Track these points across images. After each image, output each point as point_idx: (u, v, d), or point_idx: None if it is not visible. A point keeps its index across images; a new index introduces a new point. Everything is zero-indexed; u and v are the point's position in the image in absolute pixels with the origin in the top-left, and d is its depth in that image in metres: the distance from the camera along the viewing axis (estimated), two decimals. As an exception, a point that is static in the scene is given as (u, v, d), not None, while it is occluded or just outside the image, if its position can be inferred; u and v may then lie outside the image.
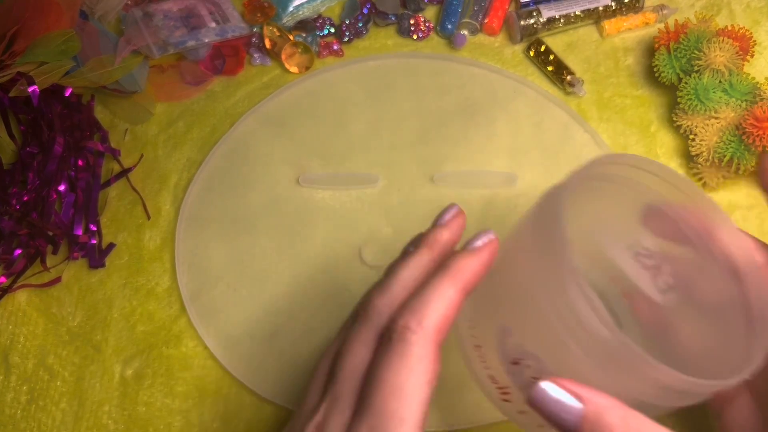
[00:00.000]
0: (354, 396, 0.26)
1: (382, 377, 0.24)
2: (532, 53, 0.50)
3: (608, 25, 0.51)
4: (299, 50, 0.51)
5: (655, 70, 0.47)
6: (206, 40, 0.51)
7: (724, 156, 0.43)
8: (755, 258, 0.28)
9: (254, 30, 0.52)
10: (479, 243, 0.27)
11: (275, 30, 0.51)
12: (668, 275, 0.31)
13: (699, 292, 0.30)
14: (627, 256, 0.32)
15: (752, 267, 0.27)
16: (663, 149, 0.47)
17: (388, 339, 0.25)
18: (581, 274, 0.24)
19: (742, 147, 0.43)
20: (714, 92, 0.44)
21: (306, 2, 0.53)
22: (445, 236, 0.28)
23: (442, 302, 0.25)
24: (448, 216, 0.28)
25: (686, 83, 0.45)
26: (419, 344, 0.25)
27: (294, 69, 0.51)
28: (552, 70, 0.50)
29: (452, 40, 0.51)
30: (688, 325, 0.30)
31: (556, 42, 0.51)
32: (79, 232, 0.45)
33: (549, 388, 0.24)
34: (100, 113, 0.50)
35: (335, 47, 0.51)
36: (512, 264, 0.28)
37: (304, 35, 0.52)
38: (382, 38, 0.52)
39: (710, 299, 0.29)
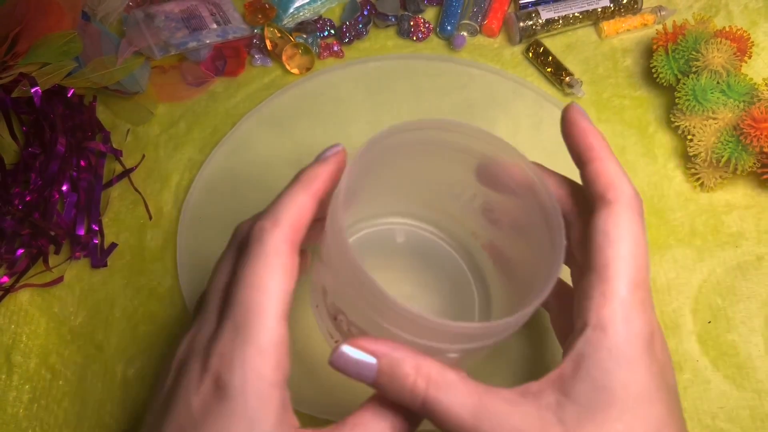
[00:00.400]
0: (220, 305, 0.27)
1: (242, 275, 0.26)
2: (531, 54, 0.51)
3: (607, 26, 0.51)
4: (300, 51, 0.51)
5: (653, 71, 0.48)
6: (207, 41, 0.51)
7: (722, 156, 0.43)
8: (551, 183, 0.32)
9: (255, 31, 0.53)
10: (328, 153, 0.30)
11: (276, 31, 0.52)
12: (501, 215, 0.34)
13: (525, 228, 0.33)
14: (476, 209, 0.36)
15: (545, 187, 0.31)
16: (661, 150, 0.47)
17: (245, 245, 0.27)
18: (344, 234, 0.26)
19: (740, 147, 0.43)
20: (712, 93, 0.44)
21: (306, 4, 0.53)
22: (318, 172, 0.29)
23: (294, 205, 0.27)
24: (329, 153, 0.30)
25: (684, 84, 0.45)
26: (274, 241, 0.26)
27: (295, 70, 0.51)
28: (551, 71, 0.50)
29: (451, 42, 0.51)
30: (521, 255, 0.34)
31: (554, 43, 0.51)
32: (81, 232, 0.45)
33: (347, 350, 0.27)
34: (102, 114, 0.50)
35: (335, 48, 0.52)
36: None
37: (304, 36, 0.52)
38: (382, 39, 0.52)
39: (531, 231, 0.32)
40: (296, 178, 0.29)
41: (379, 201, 0.38)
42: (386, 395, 0.27)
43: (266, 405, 0.26)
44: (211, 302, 0.29)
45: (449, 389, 0.26)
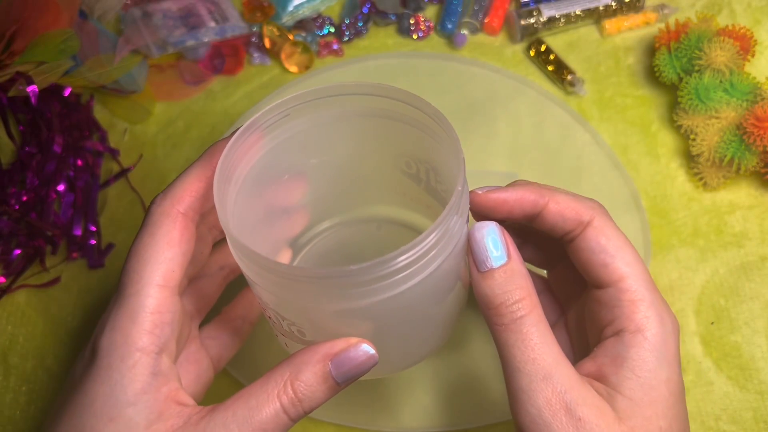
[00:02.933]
0: None
1: (131, 247, 0.28)
2: (532, 53, 0.50)
3: (609, 24, 0.51)
4: (299, 50, 0.51)
5: (655, 69, 0.47)
6: (205, 40, 0.50)
7: (725, 156, 0.43)
8: None
9: (254, 29, 0.52)
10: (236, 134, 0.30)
11: (275, 29, 0.51)
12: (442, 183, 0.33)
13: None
14: (432, 186, 0.34)
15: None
16: (664, 149, 0.47)
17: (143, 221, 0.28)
18: (228, 227, 0.26)
19: (743, 147, 0.42)
20: (715, 92, 0.44)
21: (306, 1, 0.52)
22: (218, 148, 0.29)
23: (186, 177, 0.28)
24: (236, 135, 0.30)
25: (687, 83, 0.45)
26: (157, 209, 0.28)
27: (294, 68, 0.51)
28: (552, 70, 0.49)
29: (452, 40, 0.51)
30: None
31: (556, 41, 0.51)
32: (78, 232, 0.45)
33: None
34: (99, 113, 0.50)
35: (335, 47, 0.51)
36: None
37: (303, 35, 0.52)
38: (382, 38, 0.52)
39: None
40: (200, 155, 0.29)
41: (323, 200, 0.36)
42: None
43: (132, 370, 0.25)
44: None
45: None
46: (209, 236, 0.33)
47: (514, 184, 0.30)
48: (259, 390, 0.25)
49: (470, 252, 0.28)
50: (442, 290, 0.29)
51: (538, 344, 0.27)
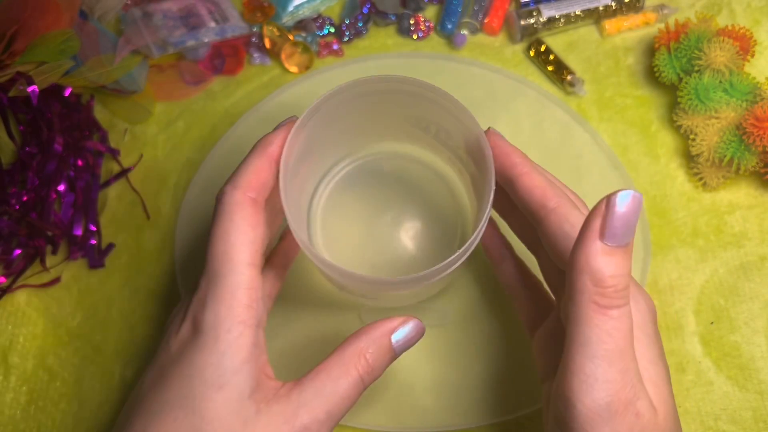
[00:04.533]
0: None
1: (211, 234, 0.30)
2: (532, 53, 0.50)
3: (608, 24, 0.51)
4: (299, 50, 0.51)
5: (655, 69, 0.47)
6: (206, 40, 0.50)
7: (725, 156, 0.43)
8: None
9: (254, 29, 0.52)
10: (282, 123, 0.34)
11: (275, 29, 0.51)
12: (459, 146, 0.38)
13: (476, 158, 0.36)
14: (443, 141, 0.39)
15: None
16: (663, 149, 0.47)
17: (214, 210, 0.31)
18: (294, 225, 0.31)
19: (743, 147, 0.43)
20: (714, 92, 0.44)
21: (306, 2, 0.53)
22: (272, 138, 0.33)
23: (250, 168, 0.31)
24: (284, 122, 0.34)
25: (687, 83, 0.45)
26: (230, 199, 0.30)
27: (294, 69, 0.51)
28: (552, 70, 0.49)
29: (452, 40, 0.51)
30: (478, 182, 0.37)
31: (556, 42, 0.51)
32: (79, 232, 0.45)
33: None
34: (100, 113, 0.50)
35: (335, 47, 0.51)
36: None
37: (303, 35, 0.52)
38: (382, 38, 0.52)
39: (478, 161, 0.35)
40: (255, 146, 0.32)
41: (355, 140, 0.42)
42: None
43: (237, 340, 0.28)
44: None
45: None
46: (277, 218, 0.36)
47: (505, 141, 0.33)
48: (338, 363, 0.29)
49: (605, 221, 0.26)
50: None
51: (629, 336, 0.27)
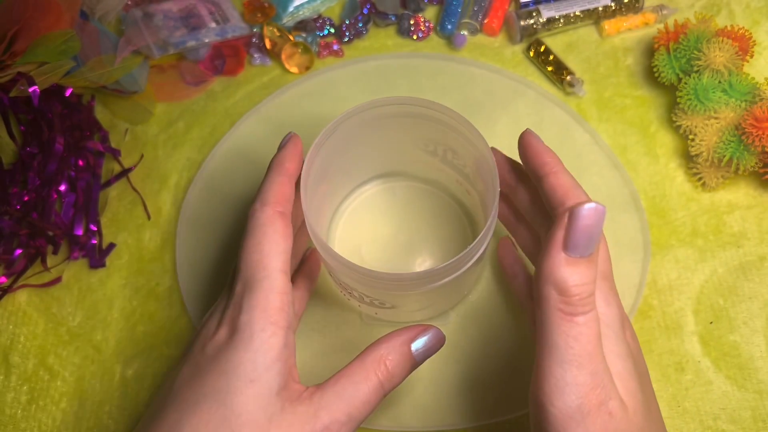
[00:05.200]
0: (231, 281, 0.32)
1: (244, 246, 0.31)
2: (531, 53, 0.50)
3: (608, 25, 0.51)
4: (299, 50, 0.51)
5: (654, 70, 0.47)
6: (206, 40, 0.51)
7: (724, 156, 0.43)
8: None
9: (254, 30, 0.52)
10: (284, 141, 0.36)
11: (275, 30, 0.51)
12: (467, 165, 0.40)
13: (482, 174, 0.38)
14: (450, 162, 0.41)
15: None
16: (663, 149, 0.47)
17: (245, 227, 0.32)
18: (311, 223, 0.33)
19: (742, 147, 0.43)
20: (713, 92, 0.44)
21: (306, 2, 0.53)
22: (285, 156, 0.35)
23: (273, 186, 0.33)
24: (285, 141, 0.36)
25: (686, 83, 0.45)
26: (262, 215, 0.32)
27: (294, 69, 0.51)
28: (552, 71, 0.50)
29: (452, 41, 0.51)
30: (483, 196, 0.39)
31: (555, 42, 0.51)
32: (80, 232, 0.45)
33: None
34: (101, 113, 0.50)
35: (335, 47, 0.51)
36: None
37: (304, 35, 0.52)
38: (382, 38, 0.52)
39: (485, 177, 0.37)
40: (269, 167, 0.34)
41: (369, 166, 0.44)
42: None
43: (270, 339, 0.29)
44: (226, 285, 0.33)
45: None
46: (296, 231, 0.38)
47: (540, 142, 0.35)
48: (359, 369, 0.30)
49: (567, 233, 0.28)
50: (475, 271, 0.36)
51: (596, 340, 0.28)
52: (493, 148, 0.36)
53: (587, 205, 0.28)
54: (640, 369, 0.31)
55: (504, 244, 0.42)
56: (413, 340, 0.32)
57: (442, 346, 0.32)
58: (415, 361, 0.32)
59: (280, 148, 0.35)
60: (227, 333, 0.30)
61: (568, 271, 0.28)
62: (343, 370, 0.31)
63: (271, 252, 0.31)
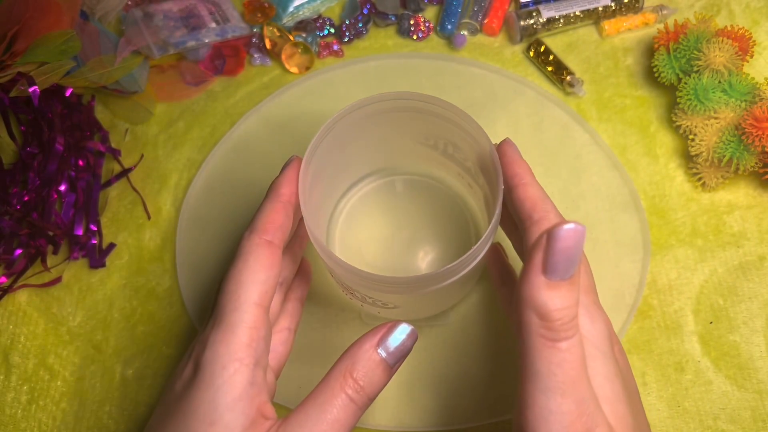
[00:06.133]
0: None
1: (226, 274, 0.30)
2: (531, 53, 0.50)
3: (608, 25, 0.51)
4: (299, 50, 0.51)
5: (654, 70, 0.47)
6: (206, 41, 0.51)
7: (724, 156, 0.43)
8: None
9: (254, 30, 0.52)
10: (285, 166, 0.34)
11: (275, 30, 0.51)
12: (468, 159, 0.39)
13: (484, 169, 0.37)
14: (451, 156, 0.41)
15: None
16: (662, 149, 0.47)
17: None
18: (311, 226, 0.33)
19: (742, 147, 0.43)
20: (713, 92, 0.44)
21: (306, 2, 0.53)
22: (281, 181, 0.34)
23: (263, 212, 0.32)
24: (285, 165, 0.35)
25: (686, 83, 0.45)
26: (247, 242, 0.31)
27: (294, 69, 0.51)
28: (552, 71, 0.50)
29: (452, 41, 0.51)
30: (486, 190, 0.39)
31: (555, 42, 0.51)
32: (80, 232, 0.45)
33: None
34: (101, 113, 0.50)
35: (335, 47, 0.51)
36: None
37: (304, 35, 0.52)
38: (382, 38, 0.52)
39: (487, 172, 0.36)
40: (267, 192, 0.34)
41: (367, 161, 0.43)
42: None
43: (232, 378, 0.27)
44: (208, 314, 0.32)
45: None
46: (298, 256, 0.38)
47: (516, 152, 0.34)
48: (324, 388, 0.28)
49: (546, 255, 0.26)
50: (478, 269, 0.35)
51: (580, 366, 0.26)
52: (507, 140, 0.35)
53: (566, 226, 0.25)
54: (629, 388, 0.29)
55: (493, 251, 0.40)
56: (380, 343, 0.29)
57: (414, 341, 0.30)
58: (388, 365, 0.29)
59: (281, 171, 0.34)
60: (191, 371, 0.29)
61: (548, 295, 0.26)
62: (310, 393, 0.29)
63: (247, 282, 0.29)
